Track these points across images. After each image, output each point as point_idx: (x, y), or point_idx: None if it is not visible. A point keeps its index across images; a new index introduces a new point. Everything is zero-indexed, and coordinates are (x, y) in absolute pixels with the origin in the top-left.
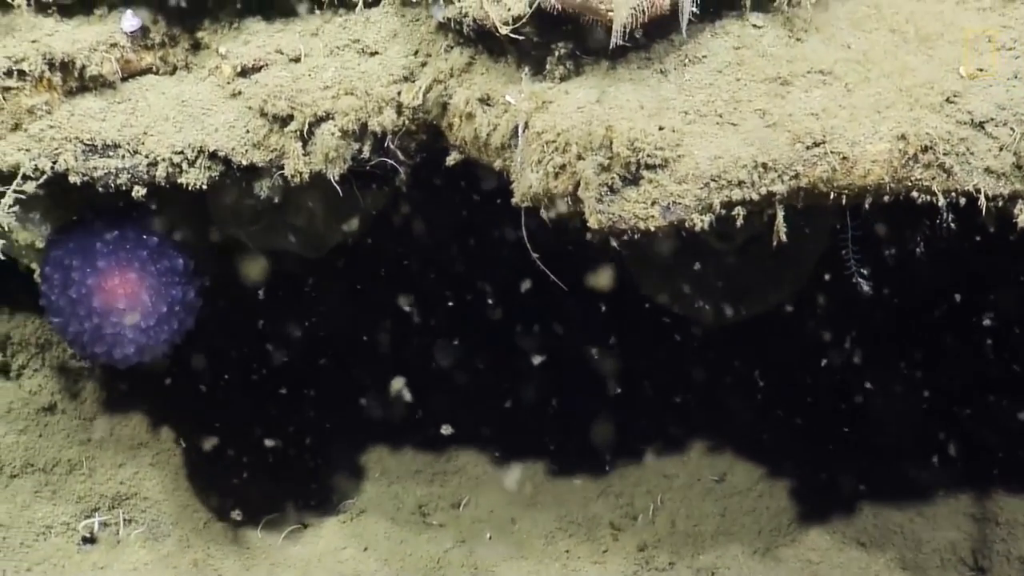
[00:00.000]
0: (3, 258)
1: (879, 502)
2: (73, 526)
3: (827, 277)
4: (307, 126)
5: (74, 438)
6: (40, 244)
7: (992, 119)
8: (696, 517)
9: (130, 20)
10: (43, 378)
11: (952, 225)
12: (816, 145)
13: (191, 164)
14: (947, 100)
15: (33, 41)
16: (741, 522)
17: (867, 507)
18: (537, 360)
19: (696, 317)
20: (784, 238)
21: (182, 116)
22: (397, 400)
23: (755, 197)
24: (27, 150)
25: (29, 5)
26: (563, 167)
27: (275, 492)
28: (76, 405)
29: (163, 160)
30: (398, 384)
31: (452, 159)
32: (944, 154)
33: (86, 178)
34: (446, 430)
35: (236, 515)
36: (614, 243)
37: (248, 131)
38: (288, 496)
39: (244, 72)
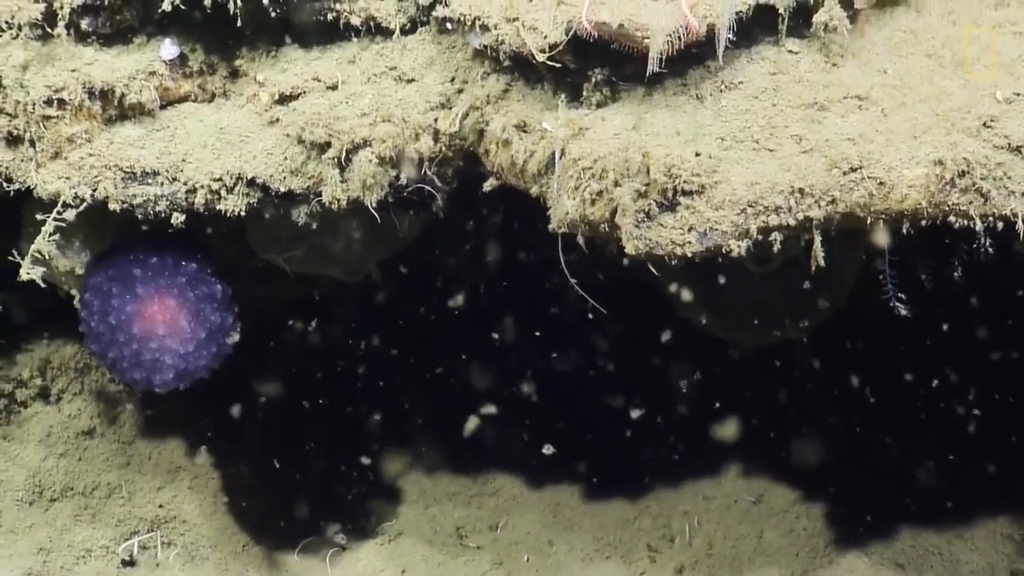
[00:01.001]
0: (43, 285)
1: (916, 524)
2: (113, 549)
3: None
4: (345, 153)
5: (113, 462)
6: (80, 271)
7: None
8: (733, 539)
9: (168, 48)
10: (82, 402)
11: (990, 249)
12: (853, 170)
13: (229, 191)
14: (984, 125)
15: (73, 70)
16: (778, 544)
17: (904, 529)
18: (573, 380)
19: (732, 339)
20: (822, 263)
21: (220, 143)
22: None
23: (792, 223)
24: (67, 178)
25: (69, 34)
26: (600, 193)
27: (313, 514)
28: (115, 429)
29: (202, 187)
30: (472, 424)
31: (489, 185)
32: (981, 179)
33: (125, 205)
34: (547, 449)
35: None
36: (651, 268)
37: (286, 158)
38: (327, 519)
39: (282, 100)
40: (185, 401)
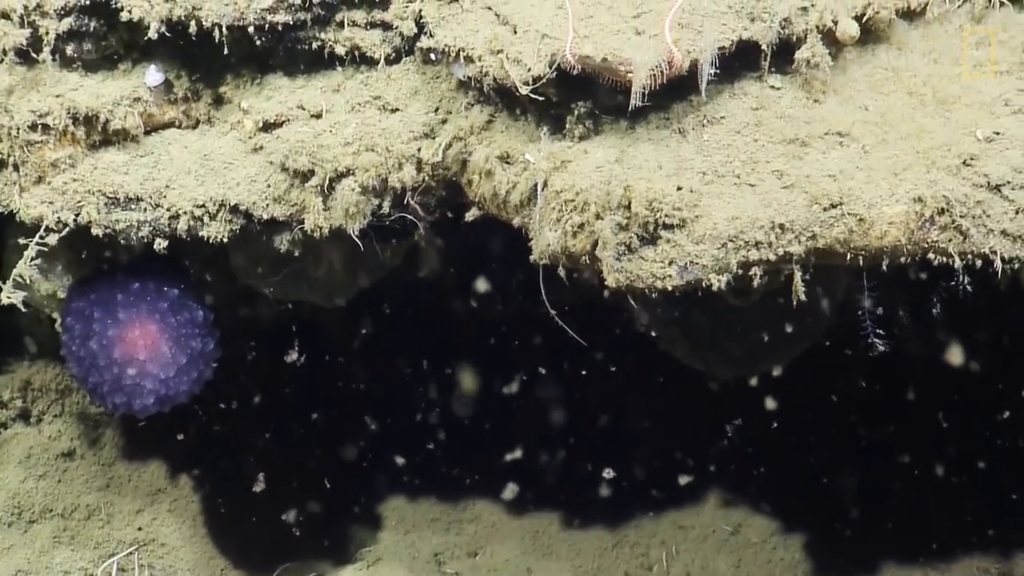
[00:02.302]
0: (24, 309)
1: (895, 556)
2: (91, 572)
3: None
4: (328, 181)
5: (93, 484)
6: (62, 294)
7: (1009, 182)
8: (711, 569)
9: (153, 75)
10: (63, 424)
11: (968, 287)
12: (833, 206)
13: (212, 217)
14: (964, 163)
15: (58, 95)
16: (756, 574)
17: (883, 560)
18: (554, 411)
19: (711, 371)
20: (803, 298)
21: (204, 170)
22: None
23: (772, 258)
24: (50, 203)
25: (54, 60)
26: (581, 226)
27: (292, 540)
28: (95, 451)
29: (185, 213)
30: (511, 492)
31: (471, 215)
32: (961, 216)
33: (108, 231)
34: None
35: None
36: (632, 301)
37: (269, 185)
38: (305, 544)
39: (266, 127)
40: (165, 424)
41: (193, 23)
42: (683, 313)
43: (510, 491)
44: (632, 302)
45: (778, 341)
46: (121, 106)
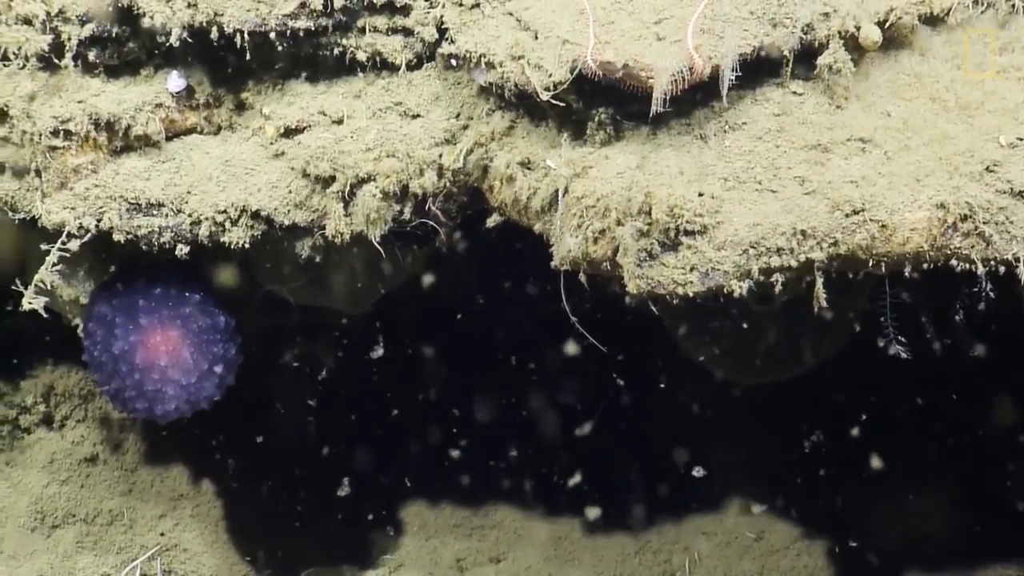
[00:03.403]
0: (46, 315)
1: (920, 564)
2: None
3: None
4: (349, 187)
5: (115, 489)
6: (84, 300)
7: None
8: (734, 575)
9: (175, 81)
10: (85, 429)
11: (991, 294)
12: (855, 213)
13: (234, 223)
14: (987, 169)
15: (79, 101)
16: None
17: (908, 568)
18: (579, 416)
19: (734, 377)
20: (824, 304)
21: (226, 176)
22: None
23: (794, 264)
24: (72, 208)
25: (76, 65)
26: (602, 232)
27: (314, 546)
28: (118, 456)
29: (206, 219)
30: (594, 513)
31: (492, 221)
32: (983, 223)
33: (130, 236)
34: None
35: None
36: (653, 307)
37: (291, 191)
38: (327, 550)
39: (287, 133)
40: (188, 430)
41: (215, 29)
42: (705, 320)
43: (592, 512)
44: (653, 309)
45: (801, 348)
46: (143, 112)
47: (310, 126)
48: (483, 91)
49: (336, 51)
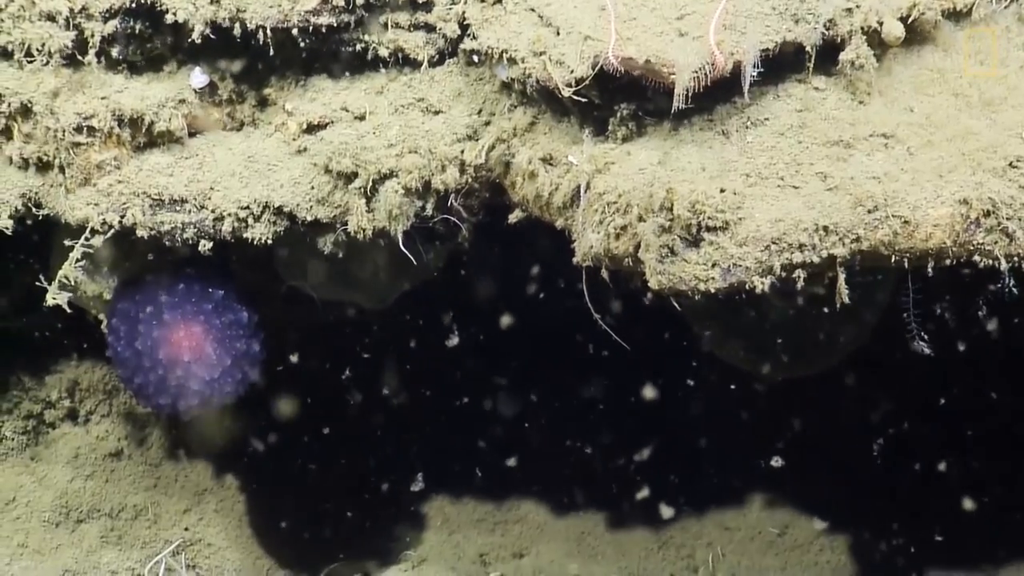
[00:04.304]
0: (69, 311)
1: (942, 559)
2: (138, 571)
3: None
4: (371, 183)
5: (140, 484)
6: (107, 296)
7: None
8: (757, 570)
9: (198, 77)
10: (110, 424)
11: (1014, 290)
12: (878, 208)
13: (257, 219)
14: (1010, 164)
15: (103, 98)
16: None
17: (930, 566)
18: (600, 410)
19: (757, 372)
20: (847, 300)
21: (248, 172)
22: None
23: (816, 260)
24: (96, 204)
25: (99, 62)
26: (624, 228)
27: (338, 540)
28: (142, 451)
29: (229, 215)
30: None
31: (514, 217)
32: (1007, 219)
33: (153, 232)
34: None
35: None
36: (675, 303)
37: (313, 187)
38: (351, 545)
39: (310, 129)
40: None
41: (237, 25)
42: (729, 315)
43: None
44: (675, 304)
45: (824, 343)
46: (166, 108)
47: (332, 122)
48: (505, 87)
49: (358, 47)
